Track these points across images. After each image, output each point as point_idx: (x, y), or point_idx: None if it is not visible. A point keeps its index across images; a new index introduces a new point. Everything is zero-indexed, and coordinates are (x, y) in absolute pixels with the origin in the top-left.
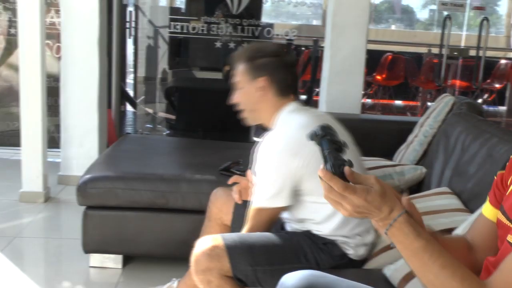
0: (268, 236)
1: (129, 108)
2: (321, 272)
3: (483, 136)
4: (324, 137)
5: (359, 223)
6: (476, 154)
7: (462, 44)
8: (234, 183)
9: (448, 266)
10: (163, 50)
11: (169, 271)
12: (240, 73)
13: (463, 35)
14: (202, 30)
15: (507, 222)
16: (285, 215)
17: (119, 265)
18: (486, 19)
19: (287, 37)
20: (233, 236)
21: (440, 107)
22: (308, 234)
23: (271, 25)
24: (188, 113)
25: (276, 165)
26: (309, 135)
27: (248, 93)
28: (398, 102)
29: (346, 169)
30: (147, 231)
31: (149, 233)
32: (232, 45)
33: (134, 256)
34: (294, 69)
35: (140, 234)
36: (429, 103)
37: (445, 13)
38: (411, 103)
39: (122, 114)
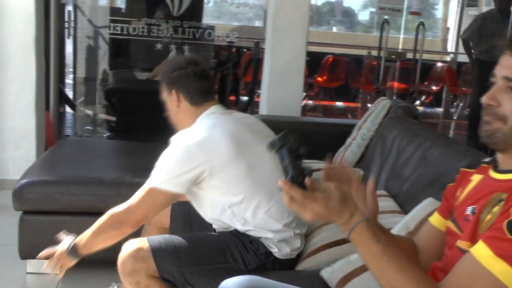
0: (195, 237)
1: (68, 109)
2: (259, 277)
3: (417, 140)
4: (282, 147)
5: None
6: (410, 157)
7: (400, 46)
8: None
9: (405, 270)
10: (103, 50)
11: (109, 275)
12: (162, 89)
13: (400, 38)
14: (143, 31)
15: (456, 230)
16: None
17: (57, 271)
18: (422, 23)
19: (228, 39)
20: (158, 238)
21: (377, 110)
22: (235, 233)
23: (212, 27)
24: (129, 114)
25: (180, 151)
26: (268, 145)
27: (169, 107)
28: (339, 104)
29: (307, 180)
30: None
31: None
32: (173, 47)
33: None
34: (204, 78)
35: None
36: (369, 105)
37: (385, 16)
38: (352, 104)
39: (61, 116)
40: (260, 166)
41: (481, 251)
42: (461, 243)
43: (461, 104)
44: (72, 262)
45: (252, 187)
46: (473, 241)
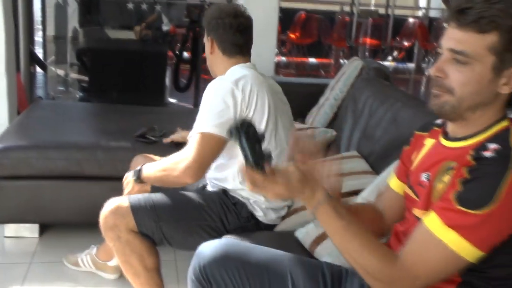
0: (174, 194)
1: (39, 70)
2: (236, 240)
3: (388, 101)
4: (241, 134)
5: None
6: (382, 118)
7: (372, 1)
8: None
9: (367, 245)
10: (72, 8)
11: (87, 237)
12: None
13: None
14: None
15: (413, 196)
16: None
17: (36, 234)
18: None
19: None
20: (138, 196)
21: (349, 71)
22: (220, 194)
23: None
24: (101, 74)
25: (223, 95)
26: (227, 132)
27: (206, 50)
28: (312, 60)
29: (267, 167)
30: (63, 199)
31: (65, 201)
32: (144, 6)
33: (51, 224)
34: (239, 31)
35: (56, 202)
36: (342, 61)
37: None
38: (325, 60)
39: (32, 76)
40: (279, 135)
41: (432, 221)
42: (417, 211)
43: (432, 60)
44: (136, 187)
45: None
46: (427, 209)
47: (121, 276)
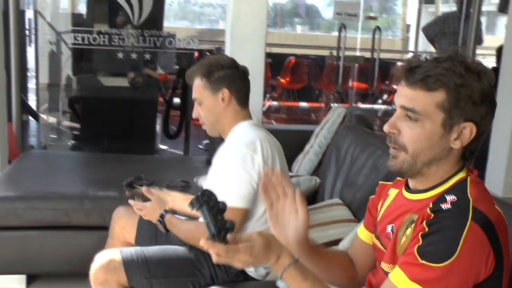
0: (166, 249)
1: (31, 118)
2: None
3: (369, 149)
4: (202, 205)
5: None
6: (363, 166)
7: (358, 46)
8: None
9: None
10: (66, 56)
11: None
12: (199, 88)
13: (358, 39)
14: (104, 41)
15: (381, 247)
16: None
17: (23, 285)
18: (378, 28)
19: (189, 47)
20: (130, 250)
21: (333, 118)
22: None
23: (173, 36)
24: (93, 122)
25: (244, 164)
26: (189, 204)
27: (211, 107)
28: (303, 104)
29: (229, 237)
30: (50, 249)
31: (53, 251)
32: (134, 55)
33: (39, 275)
34: (248, 79)
35: (44, 252)
36: (332, 104)
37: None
38: (315, 104)
39: (24, 124)
40: None
41: (398, 277)
42: (384, 266)
43: None
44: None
45: None
46: (393, 262)
47: None
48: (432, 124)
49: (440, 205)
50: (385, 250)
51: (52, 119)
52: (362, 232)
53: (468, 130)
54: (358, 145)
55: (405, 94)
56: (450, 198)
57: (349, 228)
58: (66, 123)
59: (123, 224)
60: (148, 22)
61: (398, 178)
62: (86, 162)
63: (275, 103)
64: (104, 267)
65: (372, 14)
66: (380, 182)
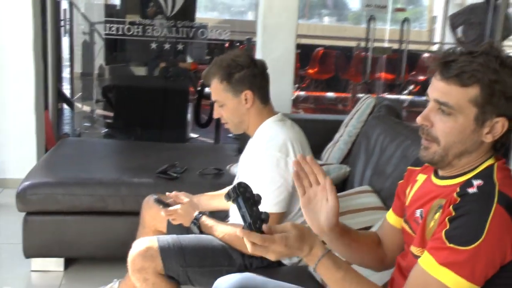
0: (201, 239)
1: (66, 106)
2: (252, 274)
3: (399, 138)
4: (238, 196)
5: None
6: (392, 155)
7: (387, 37)
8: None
9: None
10: (99, 45)
11: (111, 271)
12: (219, 91)
13: (386, 30)
14: (137, 32)
15: (410, 231)
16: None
17: (61, 268)
18: (406, 19)
19: (221, 38)
20: (167, 238)
21: (362, 108)
22: None
23: (205, 26)
24: (125, 111)
25: (279, 169)
26: (225, 196)
27: (234, 109)
28: (330, 94)
29: (264, 227)
30: (87, 234)
31: (90, 235)
32: (167, 45)
33: (76, 258)
34: (267, 74)
35: (81, 237)
36: (359, 95)
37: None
38: (342, 94)
39: (59, 112)
40: None
41: (427, 261)
42: (414, 249)
43: None
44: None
45: None
46: (423, 246)
47: None
48: (465, 119)
49: (467, 189)
50: (413, 234)
51: (85, 108)
52: (390, 216)
53: (500, 125)
54: (388, 135)
55: (439, 88)
56: (476, 182)
57: (379, 216)
58: (99, 111)
59: (154, 214)
60: (181, 13)
61: (426, 164)
62: (120, 150)
63: (303, 93)
64: (141, 255)
65: (399, 6)
66: (409, 167)
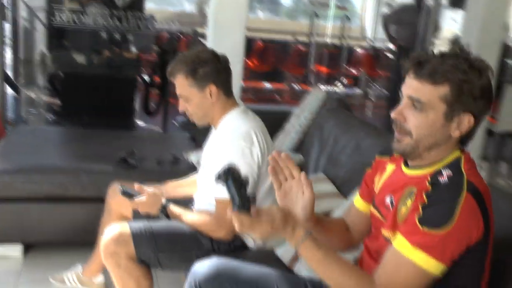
0: (171, 225)
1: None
2: (227, 259)
3: (352, 130)
4: (228, 179)
5: None
6: (346, 146)
7: (328, 32)
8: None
9: (345, 269)
10: (41, 32)
11: (70, 257)
12: (184, 86)
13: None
14: (79, 20)
15: (379, 216)
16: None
17: (20, 254)
18: (347, 17)
19: (171, 28)
20: (139, 225)
21: (314, 101)
22: None
23: (153, 17)
24: (73, 98)
25: (245, 158)
26: (215, 177)
27: (199, 103)
28: (268, 85)
29: (252, 209)
30: (47, 220)
31: (50, 221)
32: (108, 34)
33: (35, 244)
34: (230, 68)
35: (41, 223)
36: (295, 86)
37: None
38: (280, 86)
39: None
40: None
41: (400, 244)
42: (385, 232)
43: (377, 86)
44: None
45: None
46: (394, 229)
47: None
48: (435, 114)
49: (438, 178)
50: (383, 219)
51: (32, 94)
52: (358, 201)
53: (467, 121)
54: (341, 127)
55: (412, 86)
56: (446, 172)
57: (336, 202)
58: (46, 98)
59: (120, 200)
60: (130, 3)
61: (395, 155)
62: (74, 137)
63: (241, 83)
64: (114, 240)
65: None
66: (377, 157)
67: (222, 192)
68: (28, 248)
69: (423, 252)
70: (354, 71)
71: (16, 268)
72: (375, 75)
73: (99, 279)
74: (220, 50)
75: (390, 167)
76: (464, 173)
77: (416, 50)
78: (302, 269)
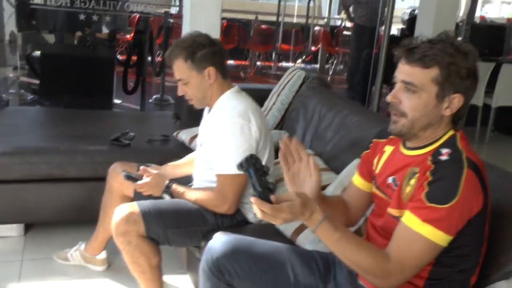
0: (177, 202)
1: None
2: (240, 236)
3: (336, 108)
4: (249, 167)
5: None
6: (331, 122)
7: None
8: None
9: (361, 247)
10: (9, 12)
11: (70, 234)
12: (184, 70)
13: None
14: (66, 3)
15: (383, 196)
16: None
17: (21, 233)
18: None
19: (146, 10)
20: (147, 203)
21: (293, 79)
22: None
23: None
24: (52, 78)
25: (243, 134)
26: (238, 165)
27: (198, 85)
28: (231, 62)
29: (272, 197)
30: (46, 200)
31: (49, 201)
32: (95, 17)
33: (35, 224)
34: (224, 51)
35: (40, 203)
36: (258, 63)
37: None
38: (243, 62)
39: None
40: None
41: (410, 219)
42: (392, 211)
43: (335, 62)
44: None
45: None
46: (400, 208)
47: (109, 267)
48: (428, 96)
49: (438, 157)
50: (387, 198)
51: (11, 74)
52: (357, 179)
53: (457, 100)
54: (325, 105)
55: (405, 71)
56: (445, 151)
57: (328, 176)
58: (24, 78)
59: (121, 180)
60: None
61: (391, 136)
62: (63, 118)
63: None
64: (124, 220)
65: None
66: (374, 139)
67: (224, 168)
68: (28, 227)
69: (431, 225)
70: (313, 48)
71: (19, 247)
72: (333, 51)
73: (102, 255)
74: (197, 30)
75: (388, 149)
76: (463, 150)
77: (374, 28)
78: (305, 242)
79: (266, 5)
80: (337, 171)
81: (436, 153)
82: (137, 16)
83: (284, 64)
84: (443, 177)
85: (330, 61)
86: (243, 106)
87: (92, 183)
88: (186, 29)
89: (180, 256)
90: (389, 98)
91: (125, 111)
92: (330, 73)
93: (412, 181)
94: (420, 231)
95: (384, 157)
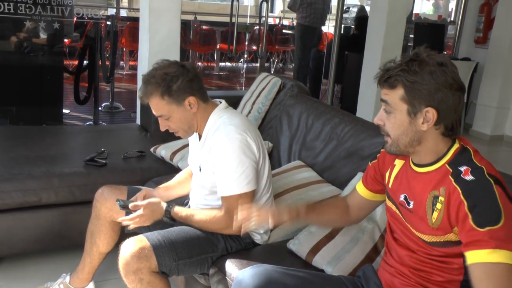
0: (186, 230)
1: None
2: (269, 266)
3: (324, 116)
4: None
5: None
6: (321, 132)
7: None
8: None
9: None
10: None
11: (50, 266)
12: (162, 106)
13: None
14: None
15: (398, 213)
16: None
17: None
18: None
19: (96, 16)
20: (155, 235)
21: (269, 87)
22: None
23: (72, 5)
24: None
25: (242, 153)
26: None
27: (182, 117)
28: None
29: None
30: (20, 230)
31: (22, 231)
32: (42, 23)
33: (8, 256)
34: (198, 73)
35: (13, 234)
36: (199, 63)
37: None
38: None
39: None
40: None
41: (479, 256)
42: (425, 237)
43: (275, 60)
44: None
45: (270, 185)
46: (432, 234)
47: None
48: (400, 114)
49: (461, 176)
50: (401, 216)
51: None
52: (361, 189)
53: (431, 114)
54: (311, 113)
55: (381, 94)
56: (464, 168)
57: (325, 189)
58: None
59: (110, 205)
60: None
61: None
62: (23, 136)
63: None
64: (136, 256)
65: None
66: (382, 149)
67: (228, 190)
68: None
69: (500, 249)
70: (254, 47)
71: None
72: (273, 50)
73: (90, 287)
74: (156, 38)
75: (399, 163)
76: (482, 167)
77: (318, 28)
78: (322, 262)
79: (204, 5)
80: (333, 182)
81: (455, 172)
82: (90, 22)
83: (225, 64)
84: (481, 199)
85: (270, 60)
86: (236, 120)
87: (67, 207)
88: (144, 36)
89: (177, 282)
90: (375, 120)
91: (85, 125)
92: (272, 71)
93: (439, 206)
94: (495, 260)
95: (395, 171)
